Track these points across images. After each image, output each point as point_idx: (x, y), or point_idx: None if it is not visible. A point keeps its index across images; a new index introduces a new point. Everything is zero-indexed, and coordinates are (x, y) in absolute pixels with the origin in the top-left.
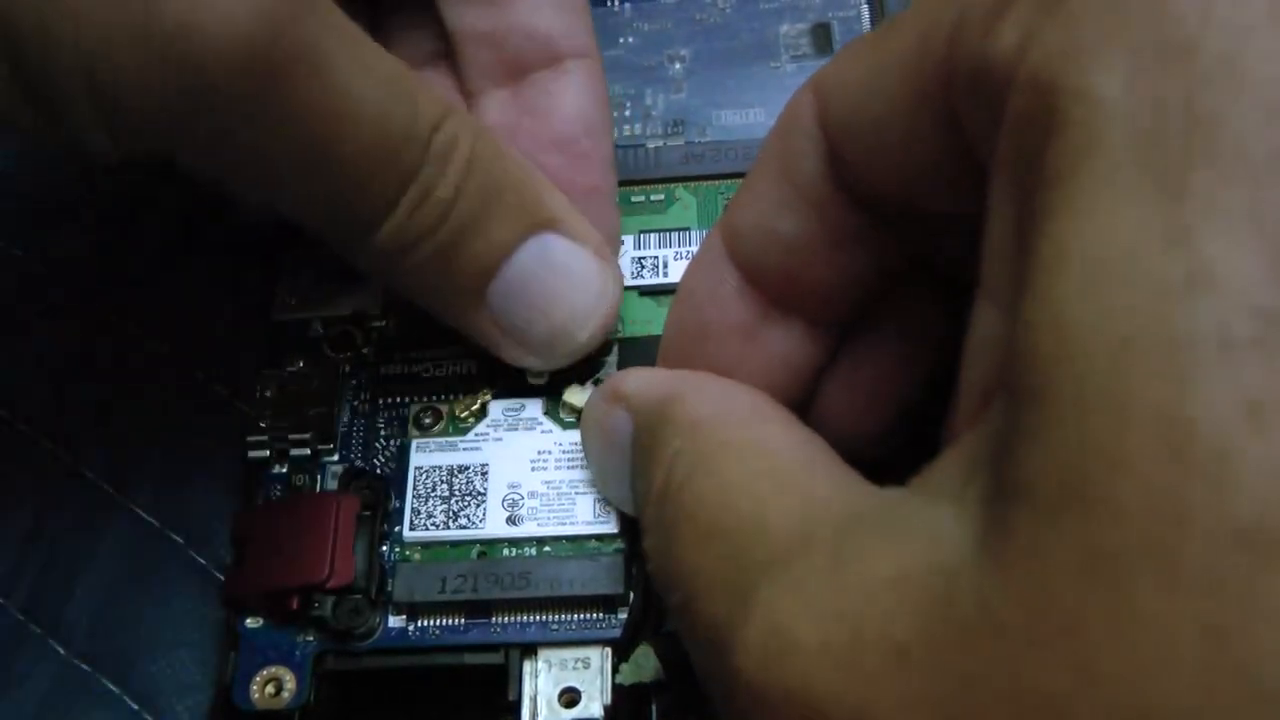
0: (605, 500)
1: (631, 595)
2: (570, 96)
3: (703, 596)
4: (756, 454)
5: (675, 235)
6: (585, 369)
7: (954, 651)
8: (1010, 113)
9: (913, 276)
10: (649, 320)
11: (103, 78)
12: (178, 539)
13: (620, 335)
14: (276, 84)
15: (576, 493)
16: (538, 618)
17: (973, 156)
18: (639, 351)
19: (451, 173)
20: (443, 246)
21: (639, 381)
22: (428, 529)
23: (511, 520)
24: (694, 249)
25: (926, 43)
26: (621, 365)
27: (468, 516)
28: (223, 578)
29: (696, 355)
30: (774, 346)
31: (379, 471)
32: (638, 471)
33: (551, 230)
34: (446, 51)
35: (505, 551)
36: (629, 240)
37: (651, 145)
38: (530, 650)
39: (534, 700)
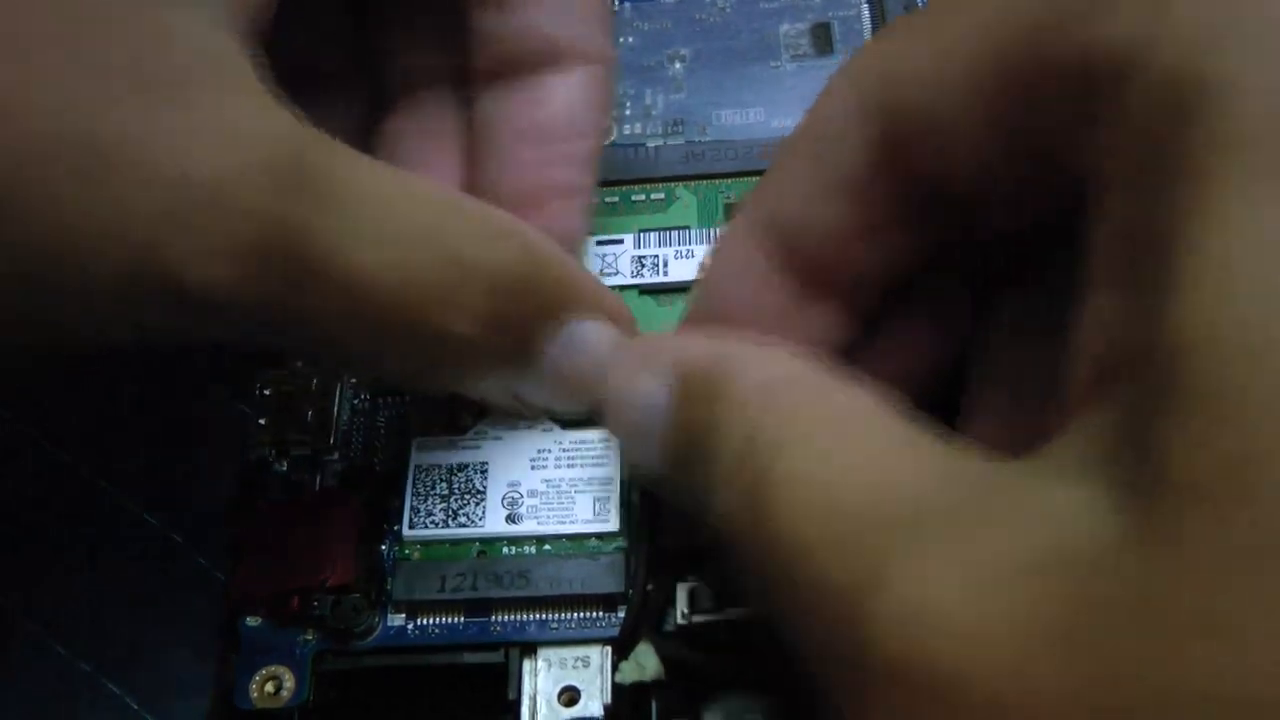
0: (605, 498)
1: (630, 592)
2: (563, 94)
3: (818, 570)
4: (847, 421)
5: (675, 234)
6: None
7: (1107, 643)
8: (1133, 103)
9: (945, 263)
10: (649, 319)
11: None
12: (177, 539)
13: None
14: (279, 304)
15: (576, 491)
16: (537, 616)
17: (1043, 146)
18: None
19: (483, 316)
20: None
21: (675, 347)
22: (427, 527)
23: (511, 519)
24: (694, 247)
25: (1002, 33)
26: None
27: (467, 515)
28: (223, 577)
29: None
30: (804, 331)
31: (378, 470)
32: (688, 442)
33: (573, 319)
34: (449, 66)
35: (505, 550)
36: (629, 239)
37: (652, 144)
38: (530, 649)
39: (534, 699)
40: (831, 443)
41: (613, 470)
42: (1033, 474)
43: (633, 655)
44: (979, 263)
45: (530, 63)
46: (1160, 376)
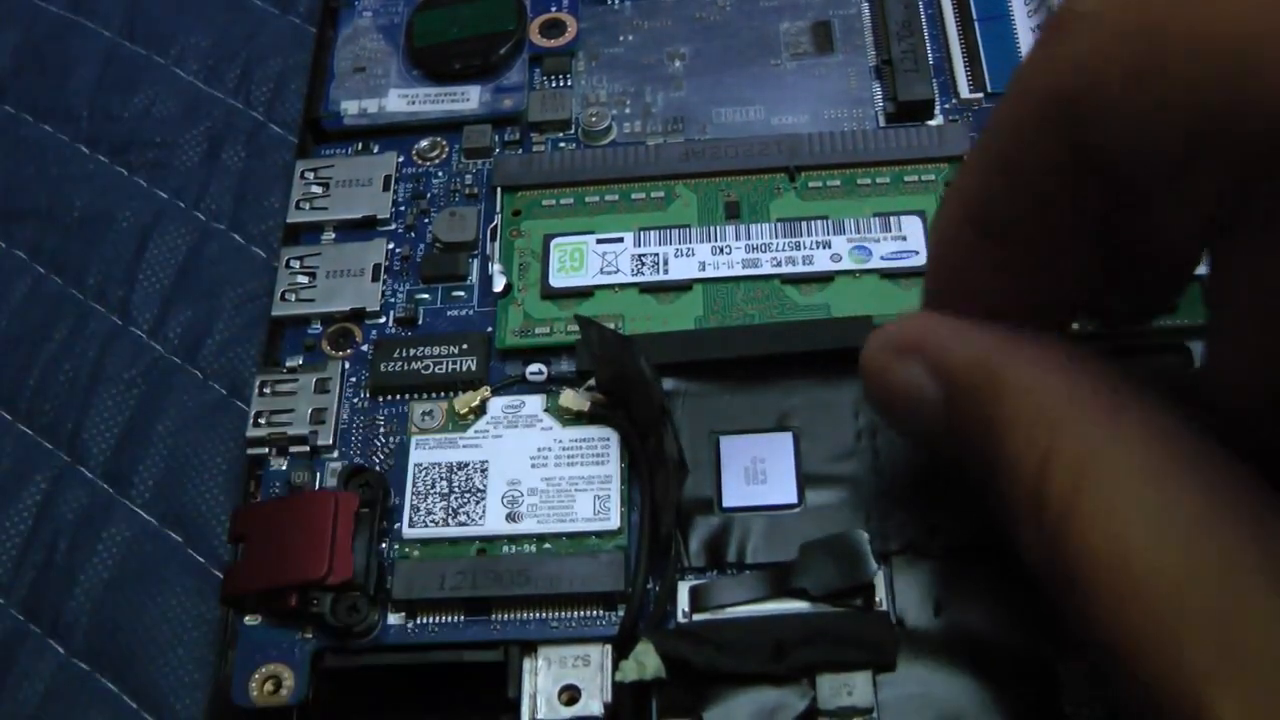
0: (605, 496)
1: (630, 591)
2: None
3: (1139, 665)
4: (1146, 480)
5: (675, 232)
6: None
7: None
8: None
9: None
10: (648, 317)
11: None
12: (176, 538)
13: (621, 332)
14: None
15: (576, 489)
16: (537, 615)
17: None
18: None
19: None
20: None
21: (944, 336)
22: (427, 526)
23: (511, 517)
24: (694, 245)
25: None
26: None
27: (467, 513)
28: (221, 576)
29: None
30: (1028, 298)
31: (378, 468)
32: (969, 444)
33: None
34: None
35: (505, 548)
36: (629, 237)
37: (651, 143)
38: (530, 647)
39: (534, 698)
40: (1126, 508)
41: (613, 468)
42: None
43: (633, 654)
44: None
45: None
46: None
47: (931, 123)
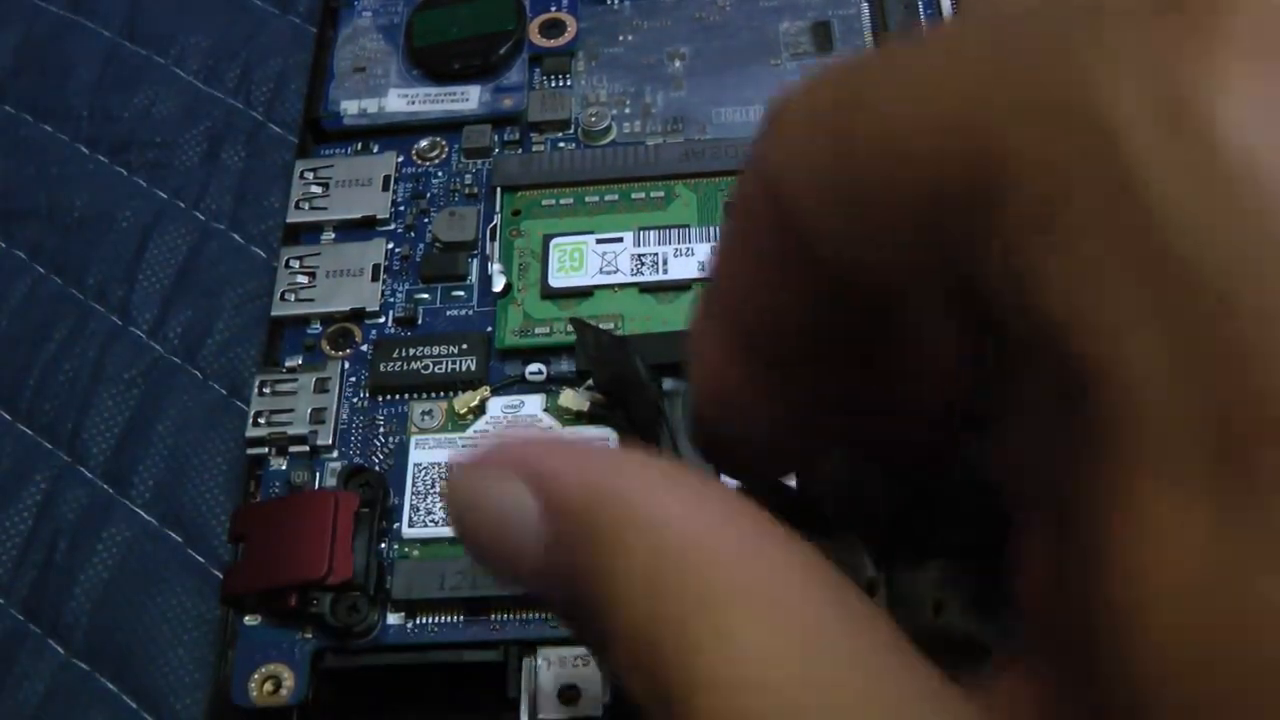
0: None
1: None
2: None
3: None
4: (770, 607)
5: (675, 232)
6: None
7: None
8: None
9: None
10: (647, 316)
11: None
12: (176, 538)
13: (620, 332)
14: None
15: None
16: (537, 615)
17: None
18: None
19: None
20: None
21: (558, 461)
22: (427, 526)
23: None
24: (694, 245)
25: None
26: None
27: None
28: (221, 576)
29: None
30: (785, 400)
31: (378, 468)
32: (571, 590)
33: None
34: None
35: None
36: (628, 237)
37: (651, 142)
38: (530, 647)
39: (534, 698)
40: (748, 638)
41: None
42: None
43: None
44: None
45: None
46: (1103, 674)
47: None
